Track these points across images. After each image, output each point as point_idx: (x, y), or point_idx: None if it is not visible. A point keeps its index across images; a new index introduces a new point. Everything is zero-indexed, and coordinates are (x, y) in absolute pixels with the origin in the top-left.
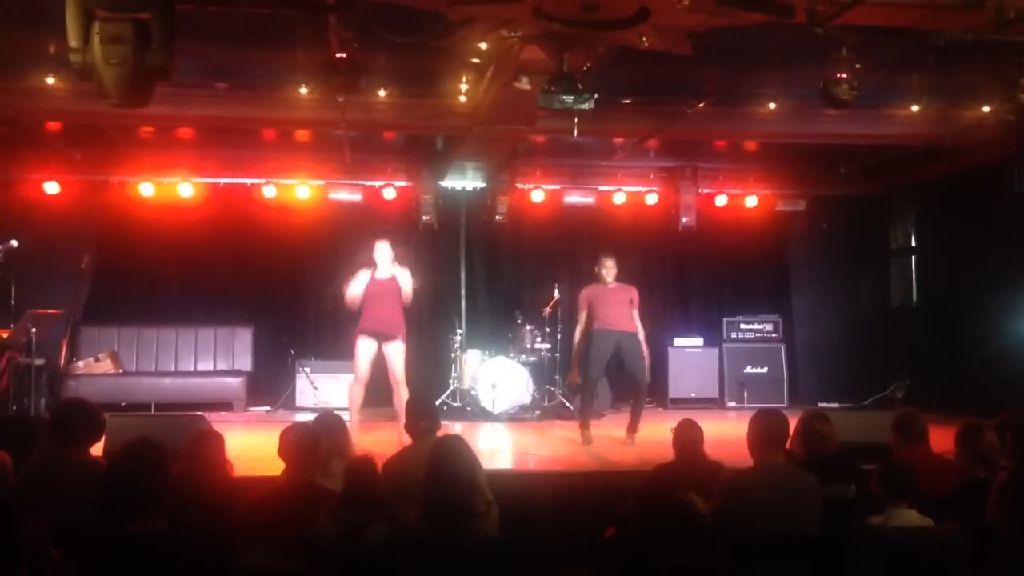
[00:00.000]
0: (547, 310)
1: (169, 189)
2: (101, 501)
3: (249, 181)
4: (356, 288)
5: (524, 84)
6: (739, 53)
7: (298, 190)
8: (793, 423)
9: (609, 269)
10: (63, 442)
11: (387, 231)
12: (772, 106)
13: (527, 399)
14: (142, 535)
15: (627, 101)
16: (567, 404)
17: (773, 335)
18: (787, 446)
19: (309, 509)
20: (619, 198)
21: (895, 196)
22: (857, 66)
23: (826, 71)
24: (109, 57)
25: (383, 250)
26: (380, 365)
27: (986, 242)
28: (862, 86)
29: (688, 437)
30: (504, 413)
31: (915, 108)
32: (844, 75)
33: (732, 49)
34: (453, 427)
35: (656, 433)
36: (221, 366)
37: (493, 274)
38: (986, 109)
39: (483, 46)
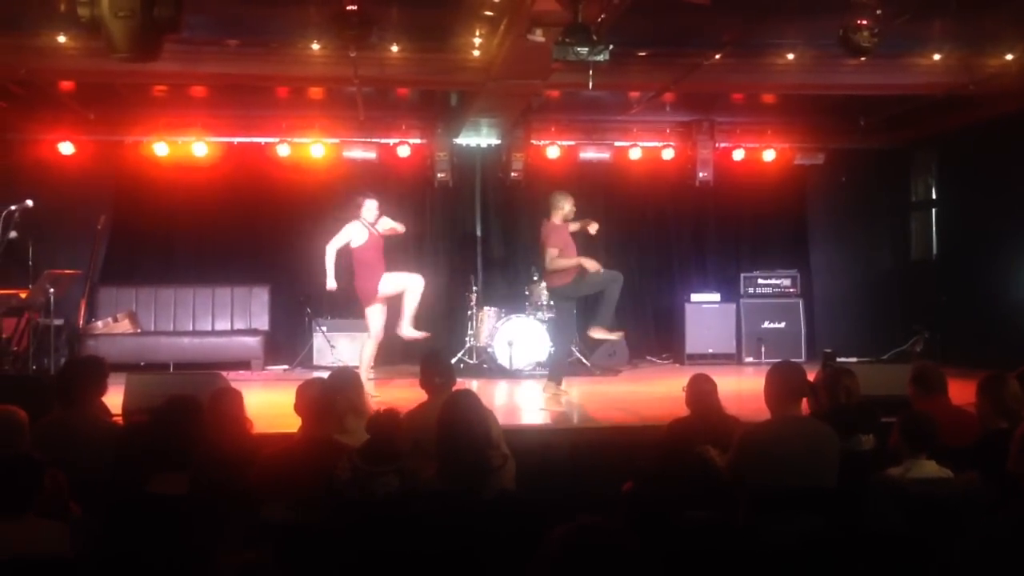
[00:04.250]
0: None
1: (183, 148)
2: (123, 457)
3: (263, 140)
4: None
5: (538, 36)
6: (757, 2)
7: (312, 148)
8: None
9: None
10: (69, 402)
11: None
12: (791, 57)
13: (543, 356)
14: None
15: (643, 53)
16: (584, 361)
17: (791, 290)
18: (810, 398)
19: (326, 464)
20: (635, 153)
21: (915, 148)
22: (878, 12)
23: (846, 18)
24: (117, 10)
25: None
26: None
27: (1008, 194)
28: (882, 33)
29: (701, 390)
30: (521, 370)
31: (936, 57)
32: (864, 22)
33: None
34: (470, 384)
35: (674, 389)
36: (239, 325)
37: (509, 231)
38: (1009, 57)
39: None
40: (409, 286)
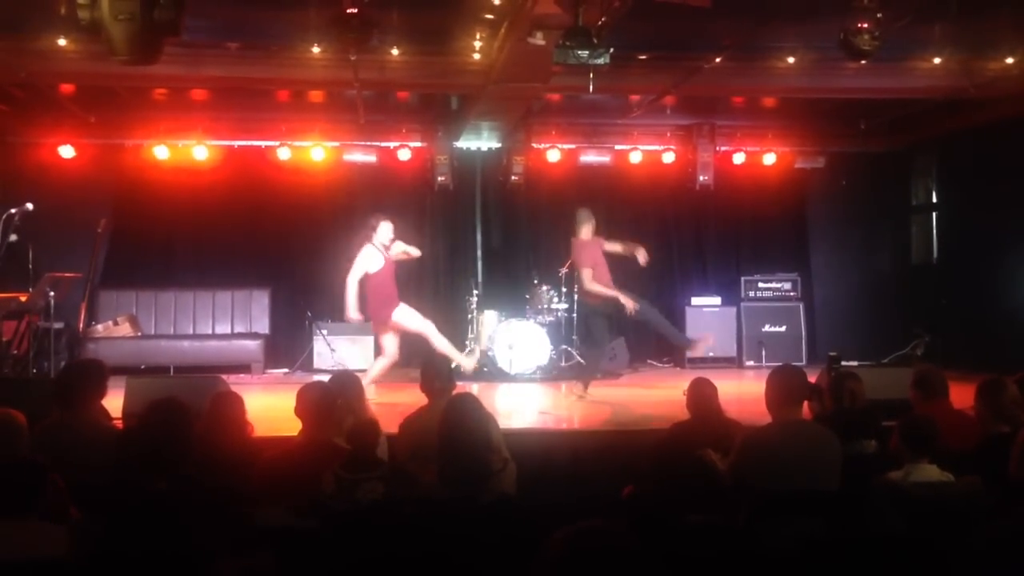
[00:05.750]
0: (564, 270)
1: (184, 152)
2: (121, 460)
3: (263, 143)
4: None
5: (538, 40)
6: (758, 5)
7: (313, 152)
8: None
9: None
10: (68, 405)
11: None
12: (791, 60)
13: (544, 360)
14: (164, 492)
15: (643, 56)
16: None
17: (791, 293)
18: (814, 400)
19: (325, 468)
20: (635, 157)
21: (916, 151)
22: (879, 15)
23: (847, 21)
24: (117, 13)
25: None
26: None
27: (1008, 197)
28: (883, 37)
29: (702, 394)
30: (521, 374)
31: (937, 60)
32: (865, 25)
33: (751, 0)
34: (470, 388)
35: (674, 392)
36: (239, 328)
37: (509, 235)
38: (1010, 60)
39: (497, 1)
40: (426, 332)
